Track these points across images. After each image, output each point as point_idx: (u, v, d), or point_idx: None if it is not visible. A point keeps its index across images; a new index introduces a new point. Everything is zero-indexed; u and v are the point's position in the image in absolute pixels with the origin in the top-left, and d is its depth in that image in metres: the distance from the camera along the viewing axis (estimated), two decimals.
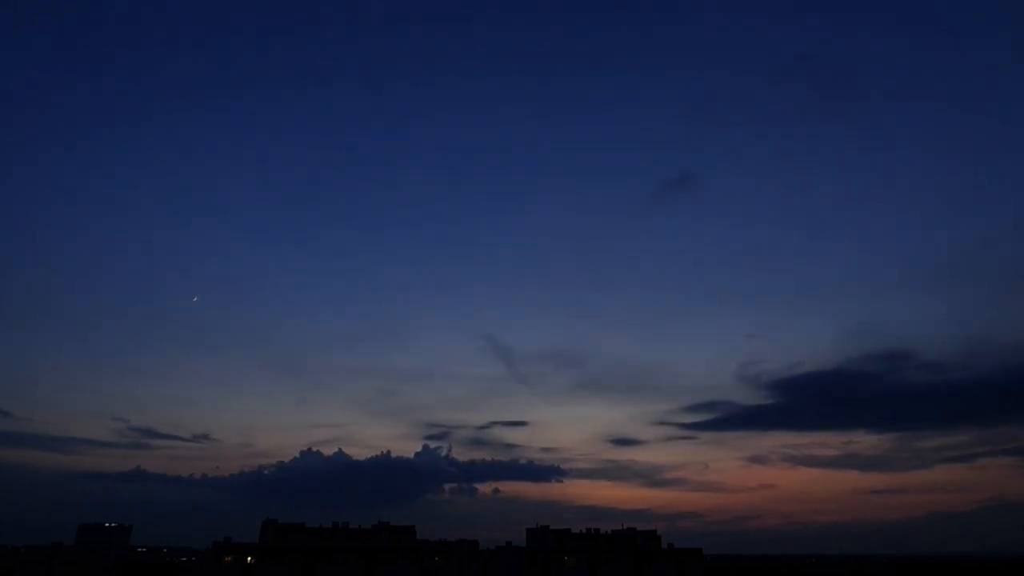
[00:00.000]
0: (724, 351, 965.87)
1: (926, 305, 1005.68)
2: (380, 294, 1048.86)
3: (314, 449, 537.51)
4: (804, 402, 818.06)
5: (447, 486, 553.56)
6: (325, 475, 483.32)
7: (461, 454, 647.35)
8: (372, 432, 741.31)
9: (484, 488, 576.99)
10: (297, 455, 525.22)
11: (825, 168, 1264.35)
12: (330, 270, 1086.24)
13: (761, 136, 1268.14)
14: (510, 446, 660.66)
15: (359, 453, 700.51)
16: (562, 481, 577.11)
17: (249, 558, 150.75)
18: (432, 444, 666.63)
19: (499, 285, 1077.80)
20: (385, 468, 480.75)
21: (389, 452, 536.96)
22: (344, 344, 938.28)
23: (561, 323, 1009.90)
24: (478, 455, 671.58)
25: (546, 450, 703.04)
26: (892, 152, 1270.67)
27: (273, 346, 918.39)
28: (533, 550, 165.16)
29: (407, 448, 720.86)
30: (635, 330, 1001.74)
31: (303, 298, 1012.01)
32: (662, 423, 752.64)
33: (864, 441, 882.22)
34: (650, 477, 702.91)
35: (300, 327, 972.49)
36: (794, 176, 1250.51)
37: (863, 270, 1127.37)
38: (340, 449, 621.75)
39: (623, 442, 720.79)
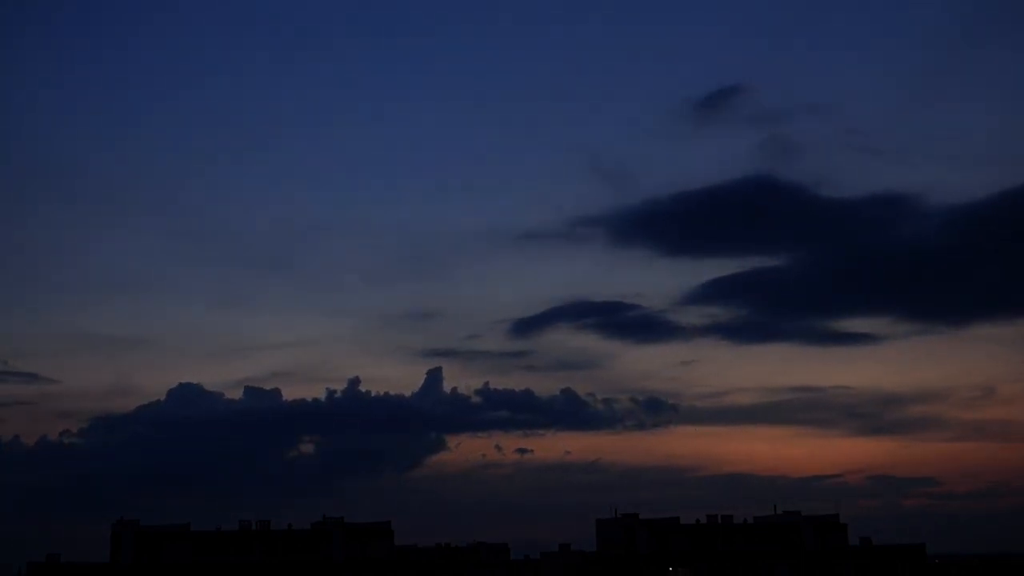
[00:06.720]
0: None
1: None
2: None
3: (215, 390, 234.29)
4: None
5: (458, 441, 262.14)
6: (230, 432, 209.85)
7: (496, 379, 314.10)
8: (338, 352, 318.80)
9: (536, 445, 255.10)
10: (164, 396, 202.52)
11: None
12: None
13: None
14: (597, 360, 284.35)
15: (301, 391, 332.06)
16: (713, 426, 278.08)
17: None
18: (439, 362, 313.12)
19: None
20: (342, 415, 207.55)
21: (357, 382, 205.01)
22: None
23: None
24: (528, 382, 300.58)
25: (683, 365, 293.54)
26: None
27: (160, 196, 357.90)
28: (606, 557, 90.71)
29: (390, 377, 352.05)
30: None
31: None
32: (888, 297, 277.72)
33: None
34: (871, 416, 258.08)
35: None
36: None
37: None
38: (277, 388, 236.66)
39: (828, 338, 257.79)
